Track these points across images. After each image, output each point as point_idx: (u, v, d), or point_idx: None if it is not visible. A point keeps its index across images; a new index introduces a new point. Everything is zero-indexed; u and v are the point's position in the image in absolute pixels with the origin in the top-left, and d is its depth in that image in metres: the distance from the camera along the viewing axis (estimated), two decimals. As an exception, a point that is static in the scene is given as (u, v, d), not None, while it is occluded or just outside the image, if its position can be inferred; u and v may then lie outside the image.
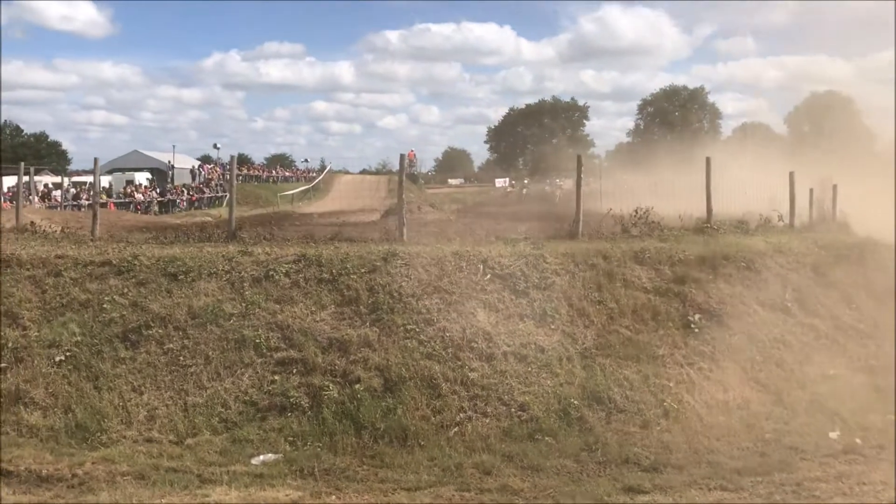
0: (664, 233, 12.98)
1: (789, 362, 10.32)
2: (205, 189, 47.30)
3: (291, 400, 8.81)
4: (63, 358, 9.28)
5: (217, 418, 8.71)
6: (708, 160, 14.31)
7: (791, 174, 15.41)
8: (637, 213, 13.28)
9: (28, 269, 10.61)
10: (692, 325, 10.34)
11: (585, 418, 8.86)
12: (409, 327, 9.62)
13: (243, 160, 68.62)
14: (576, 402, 8.99)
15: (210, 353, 9.36)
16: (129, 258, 10.68)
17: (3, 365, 9.24)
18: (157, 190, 43.37)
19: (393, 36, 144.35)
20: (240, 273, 10.37)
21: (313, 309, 9.91)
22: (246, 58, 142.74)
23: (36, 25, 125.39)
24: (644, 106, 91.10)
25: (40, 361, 9.25)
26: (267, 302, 9.96)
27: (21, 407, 8.78)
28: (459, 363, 9.26)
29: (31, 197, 28.57)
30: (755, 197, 20.26)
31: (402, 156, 12.59)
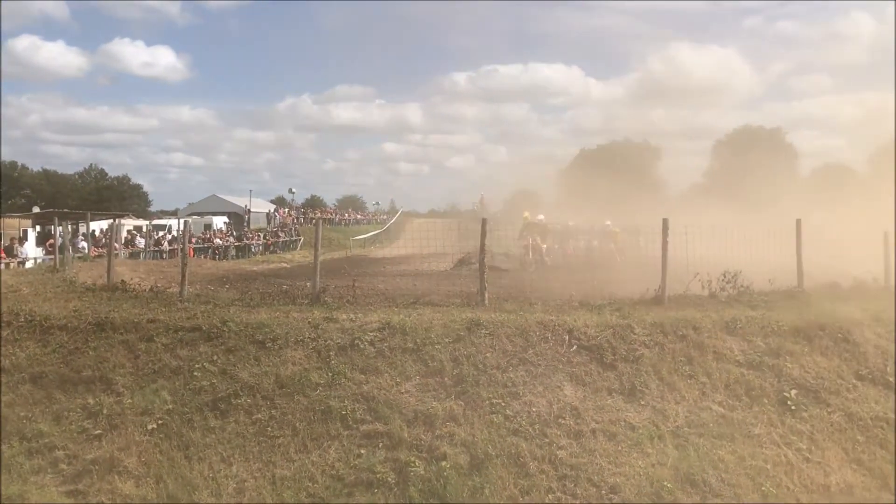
0: (754, 298, 12.57)
1: (894, 443, 9.79)
2: (280, 233, 48.28)
3: (378, 476, 8.74)
4: (155, 426, 9.45)
5: (304, 493, 8.69)
6: (798, 222, 13.87)
7: (885, 234, 14.78)
8: (725, 276, 12.91)
9: (121, 334, 10.90)
10: (788, 402, 9.94)
11: (679, 502, 8.55)
12: (494, 401, 9.51)
13: (315, 202, 70.04)
14: (669, 484, 8.68)
15: (297, 424, 9.40)
16: (218, 324, 10.87)
17: (98, 432, 9.45)
18: (234, 234, 44.44)
19: (461, 77, 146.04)
20: (325, 341, 10.44)
21: (398, 380, 9.89)
22: (317, 101, 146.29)
23: (120, 72, 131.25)
24: (719, 146, 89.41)
25: (133, 429, 9.43)
26: (352, 372, 9.98)
27: (115, 476, 8.93)
28: (547, 440, 9.08)
29: (115, 246, 29.55)
30: (840, 244, 19.56)
31: (483, 220, 12.53)
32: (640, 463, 8.93)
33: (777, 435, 9.54)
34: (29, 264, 26.27)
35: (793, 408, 9.88)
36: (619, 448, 9.10)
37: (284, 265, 33.77)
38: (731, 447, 9.25)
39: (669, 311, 11.66)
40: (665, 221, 12.56)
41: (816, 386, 10.23)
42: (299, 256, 40.44)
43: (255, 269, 29.04)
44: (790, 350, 10.68)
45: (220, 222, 46.36)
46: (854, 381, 10.54)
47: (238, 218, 50.65)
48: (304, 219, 55.06)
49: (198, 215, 47.78)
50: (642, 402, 9.68)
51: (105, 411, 9.66)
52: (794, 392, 10.07)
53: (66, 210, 37.59)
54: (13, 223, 34.29)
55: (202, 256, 34.74)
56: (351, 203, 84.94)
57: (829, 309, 12.09)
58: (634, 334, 10.54)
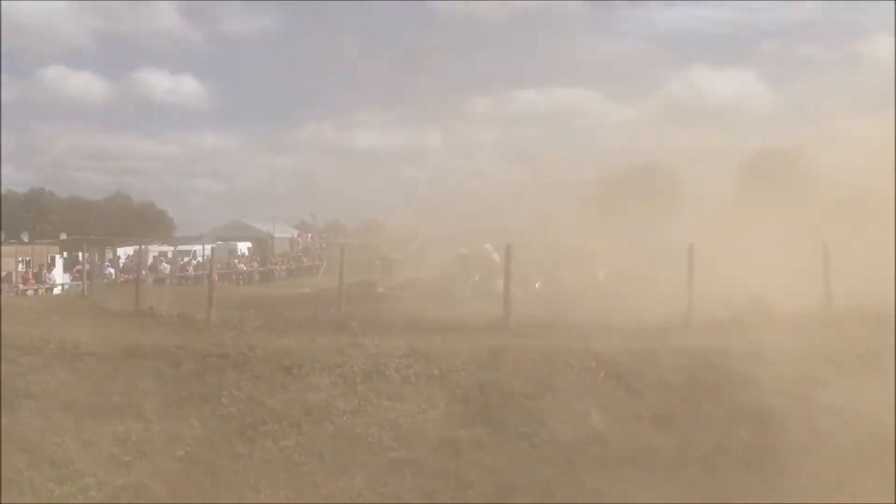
0: (781, 322, 12.46)
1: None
2: (303, 258, 48.52)
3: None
4: (184, 453, 9.49)
5: (332, 521, 8.69)
6: (825, 245, 13.76)
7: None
8: (752, 301, 12.85)
9: (150, 360, 11.00)
10: (819, 429, 9.80)
11: (709, 532, 8.46)
12: (520, 428, 9.49)
13: (337, 226, 70.21)
14: (698, 513, 8.60)
15: (324, 451, 9.41)
16: (245, 350, 10.95)
17: (127, 458, 9.51)
18: (258, 259, 44.77)
19: (480, 102, 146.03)
20: (351, 367, 10.49)
21: (424, 407, 9.90)
22: (338, 126, 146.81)
23: (144, 100, 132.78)
24: (740, 168, 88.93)
25: (162, 456, 9.48)
26: (378, 399, 10.01)
27: (144, 502, 8.98)
28: (574, 469, 9.03)
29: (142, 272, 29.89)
30: (866, 266, 19.24)
31: (508, 246, 12.58)
32: (668, 491, 8.85)
33: (808, 463, 9.40)
34: (57, 290, 26.64)
35: (823, 435, 9.74)
36: (647, 476, 9.02)
37: (307, 290, 33.85)
38: (760, 475, 9.14)
39: (696, 336, 11.61)
40: (691, 246, 12.54)
41: (847, 412, 10.07)
42: (323, 281, 40.55)
43: (279, 293, 29.20)
44: (819, 376, 10.55)
45: (243, 248, 46.74)
46: (886, 407, 10.36)
47: (261, 243, 50.97)
48: (326, 244, 55.24)
49: (222, 241, 48.14)
50: (670, 430, 9.61)
51: (134, 438, 9.72)
52: (823, 419, 9.94)
53: (92, 236, 38.05)
54: (41, 250, 34.78)
55: (225, 282, 35.00)
56: (372, 227, 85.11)
57: (859, 333, 11.96)
58: (661, 360, 10.49)
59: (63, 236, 42.41)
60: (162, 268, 35.32)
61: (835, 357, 10.93)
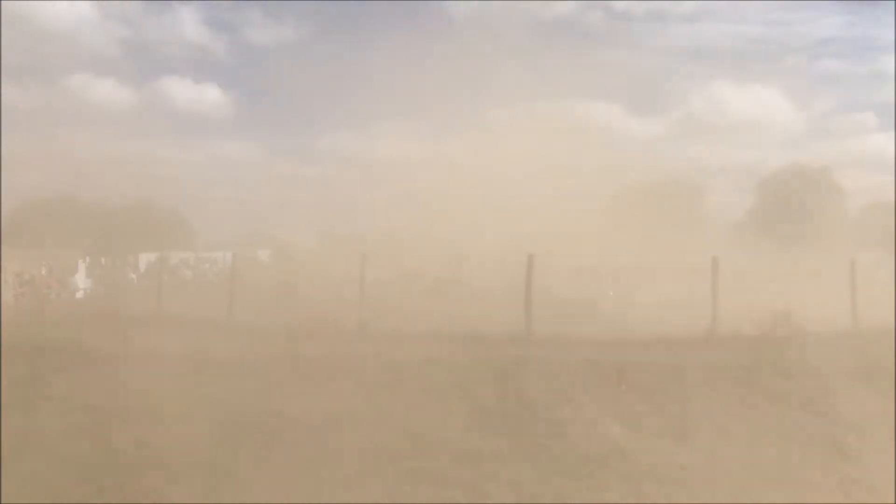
0: (807, 338, 12.27)
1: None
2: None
3: (422, 514, 8.61)
4: (202, 458, 9.44)
5: (350, 530, 8.59)
6: (853, 263, 13.58)
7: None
8: (778, 316, 12.67)
9: (169, 365, 11.00)
10: (846, 448, 9.60)
11: (732, 549, 8.28)
12: (541, 440, 9.36)
13: (358, 236, 70.34)
14: (721, 530, 8.41)
15: (342, 458, 9.32)
16: (265, 356, 10.93)
17: (145, 463, 9.48)
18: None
19: (500, 113, 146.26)
20: (372, 375, 10.42)
21: (444, 416, 9.79)
22: (359, 136, 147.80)
23: (167, 108, 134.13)
24: (763, 184, 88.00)
25: (180, 462, 9.43)
26: (398, 407, 9.91)
27: (162, 508, 8.93)
28: (595, 482, 8.87)
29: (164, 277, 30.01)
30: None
31: (530, 256, 12.49)
32: (690, 507, 8.68)
33: (834, 482, 9.20)
34: (79, 295, 26.83)
35: (850, 453, 9.54)
36: (670, 491, 8.85)
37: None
38: (785, 493, 8.94)
39: (720, 350, 11.44)
40: (714, 260, 12.41)
41: (875, 430, 9.88)
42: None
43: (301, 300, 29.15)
44: (846, 393, 10.36)
45: (264, 256, 46.94)
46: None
47: (282, 251, 51.12)
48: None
49: (242, 248, 48.30)
50: (693, 445, 9.44)
51: (152, 442, 9.69)
52: (851, 437, 9.74)
53: (114, 242, 38.38)
54: (64, 254, 35.07)
55: (245, 289, 35.01)
56: (393, 239, 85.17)
57: (887, 350, 11.73)
58: (685, 374, 10.34)
59: (86, 242, 42.75)
60: (183, 274, 35.47)
61: (862, 373, 10.72)
